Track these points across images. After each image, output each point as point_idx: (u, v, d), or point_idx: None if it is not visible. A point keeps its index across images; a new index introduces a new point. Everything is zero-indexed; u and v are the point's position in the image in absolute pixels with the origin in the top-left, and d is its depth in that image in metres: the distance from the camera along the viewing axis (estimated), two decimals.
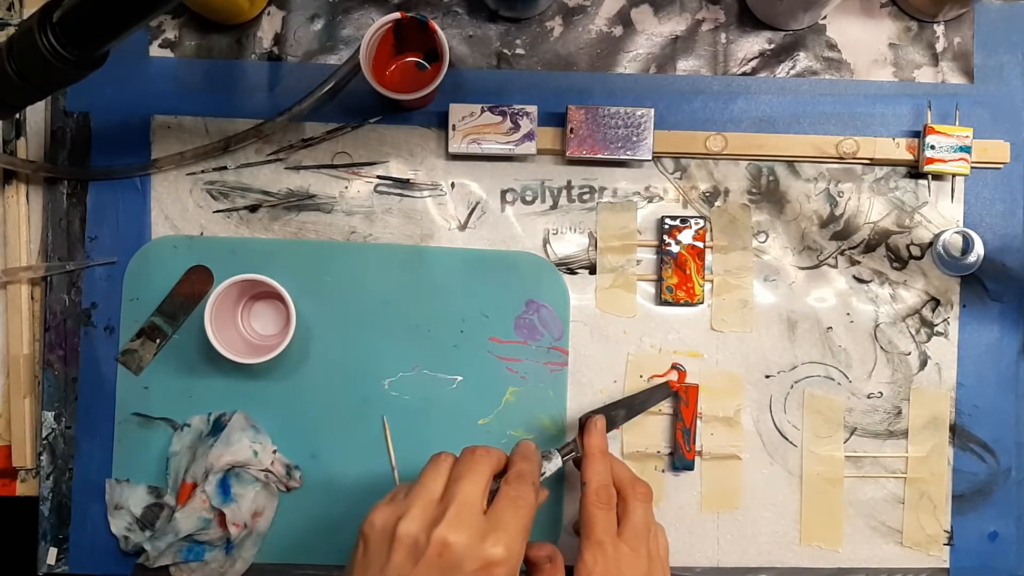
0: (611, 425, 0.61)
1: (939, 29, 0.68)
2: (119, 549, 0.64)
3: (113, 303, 0.66)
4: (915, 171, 0.67)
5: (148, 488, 0.65)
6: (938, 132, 0.65)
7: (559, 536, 0.65)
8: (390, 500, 0.49)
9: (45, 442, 0.66)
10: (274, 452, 0.64)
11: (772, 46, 0.67)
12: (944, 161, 0.65)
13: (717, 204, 0.67)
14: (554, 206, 0.67)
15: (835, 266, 0.67)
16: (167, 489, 0.64)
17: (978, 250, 0.65)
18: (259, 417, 0.65)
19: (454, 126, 0.64)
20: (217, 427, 0.64)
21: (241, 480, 0.63)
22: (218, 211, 0.66)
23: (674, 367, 0.66)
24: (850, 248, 0.67)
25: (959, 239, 0.66)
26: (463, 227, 0.66)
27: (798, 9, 0.64)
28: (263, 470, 0.63)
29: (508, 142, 0.64)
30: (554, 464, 0.57)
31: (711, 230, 0.66)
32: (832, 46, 0.67)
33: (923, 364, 0.67)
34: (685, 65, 0.67)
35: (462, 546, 0.45)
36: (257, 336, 0.66)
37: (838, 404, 0.66)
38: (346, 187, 0.66)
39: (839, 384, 0.66)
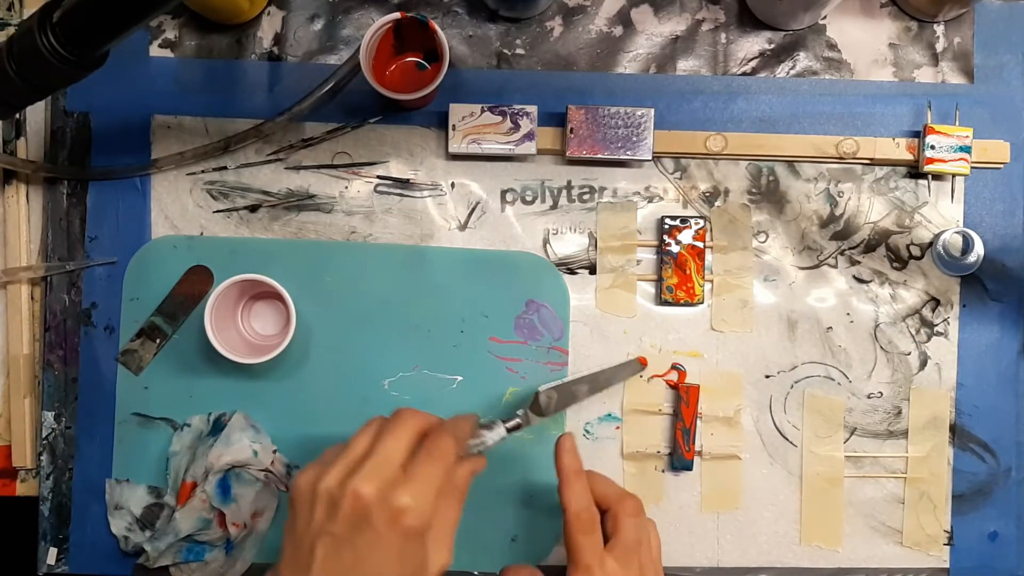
0: (571, 400, 0.61)
1: (939, 29, 0.68)
2: (119, 549, 0.64)
3: (113, 303, 0.66)
4: (915, 171, 0.67)
5: (148, 488, 0.65)
6: (938, 132, 0.65)
7: (550, 550, 0.65)
8: (317, 461, 0.50)
9: (45, 442, 0.66)
10: (274, 452, 0.64)
11: (772, 46, 0.67)
12: (944, 161, 0.65)
13: (717, 204, 0.67)
14: (554, 206, 0.67)
15: (835, 266, 0.67)
16: (167, 489, 0.64)
17: (978, 250, 0.65)
18: (259, 417, 0.65)
19: (454, 126, 0.64)
20: (217, 427, 0.64)
21: (241, 480, 0.63)
22: (218, 211, 0.66)
23: (674, 367, 0.66)
24: (850, 248, 0.67)
25: (959, 239, 0.66)
26: (463, 227, 0.66)
27: (798, 9, 0.64)
28: (263, 470, 0.63)
29: (508, 142, 0.64)
30: (497, 434, 0.56)
31: (711, 230, 0.66)
32: (832, 46, 0.67)
33: (923, 364, 0.67)
34: (685, 65, 0.67)
35: (372, 497, 0.46)
36: (257, 336, 0.66)
37: (838, 404, 0.66)
38: (346, 187, 0.66)
39: (839, 384, 0.66)
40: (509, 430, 0.57)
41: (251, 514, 0.63)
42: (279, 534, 0.65)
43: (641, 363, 0.65)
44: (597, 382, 0.64)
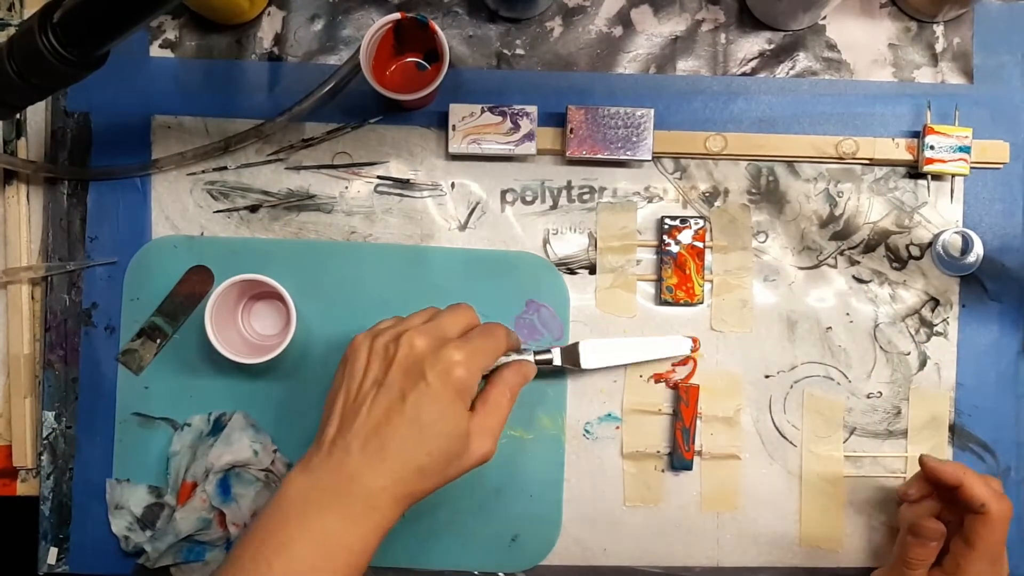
0: (610, 358, 0.63)
1: (939, 29, 0.68)
2: (119, 549, 0.64)
3: (113, 303, 0.66)
4: (915, 171, 0.67)
5: (149, 488, 0.65)
6: (937, 132, 0.65)
7: (550, 550, 0.65)
8: (371, 329, 0.54)
9: (46, 442, 0.66)
10: (275, 452, 0.64)
11: (772, 46, 0.68)
12: (943, 161, 0.65)
13: (717, 204, 0.67)
14: (554, 206, 0.67)
15: (835, 266, 0.67)
16: (167, 489, 0.64)
17: (977, 250, 0.65)
18: (259, 417, 0.65)
19: (454, 126, 0.64)
20: (217, 427, 0.64)
21: (241, 480, 0.63)
22: (218, 211, 0.66)
23: (674, 367, 0.66)
24: (850, 248, 0.67)
25: (958, 239, 0.66)
26: (463, 227, 0.66)
27: (798, 9, 0.64)
28: (263, 470, 0.63)
29: (508, 142, 0.64)
30: (528, 357, 0.59)
31: (711, 230, 0.67)
32: (832, 46, 0.68)
33: (922, 364, 0.67)
34: (685, 65, 0.67)
35: (425, 349, 0.50)
36: (257, 336, 0.66)
37: (838, 404, 0.66)
38: (346, 187, 0.66)
39: (839, 384, 0.67)
40: (538, 362, 0.59)
41: (251, 514, 0.63)
42: None
43: (693, 342, 0.65)
44: (641, 349, 0.64)
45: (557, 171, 0.67)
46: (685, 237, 0.65)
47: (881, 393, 0.67)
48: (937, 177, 0.67)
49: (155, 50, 0.67)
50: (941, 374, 0.67)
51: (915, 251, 0.67)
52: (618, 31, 0.67)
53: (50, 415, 0.66)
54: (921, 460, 0.60)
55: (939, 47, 0.68)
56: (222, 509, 0.62)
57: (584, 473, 0.66)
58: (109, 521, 0.64)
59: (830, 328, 0.67)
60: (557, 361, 0.61)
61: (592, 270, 0.66)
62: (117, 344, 0.66)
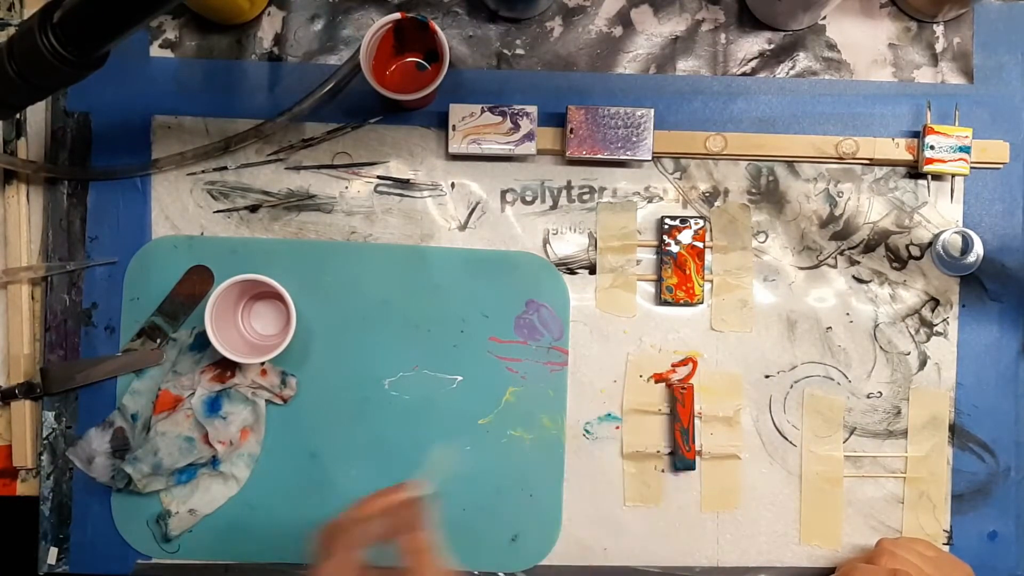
0: None
1: (939, 29, 0.68)
2: (119, 548, 0.64)
3: (114, 303, 0.66)
4: (915, 171, 0.67)
5: (97, 427, 0.64)
6: (937, 132, 0.65)
7: (550, 550, 0.65)
8: None
9: (46, 442, 0.66)
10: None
11: (772, 46, 0.68)
12: (943, 161, 0.65)
13: (717, 204, 0.67)
14: (554, 206, 0.67)
15: (835, 266, 0.67)
16: (113, 416, 0.64)
17: (977, 250, 0.65)
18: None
19: (454, 126, 0.64)
20: (199, 341, 0.64)
21: (232, 399, 0.63)
22: (218, 211, 0.66)
23: (674, 367, 0.66)
24: (849, 248, 0.67)
25: (958, 239, 0.66)
26: (463, 227, 0.66)
27: (798, 9, 0.64)
28: (253, 385, 0.63)
29: (508, 142, 0.64)
30: None
31: (711, 230, 0.67)
32: (832, 46, 0.68)
33: (922, 364, 0.67)
34: (685, 65, 0.67)
35: None
36: (257, 336, 0.66)
37: (838, 404, 0.66)
38: (346, 187, 0.66)
39: (839, 384, 0.67)
40: None
41: (238, 432, 0.63)
42: (279, 534, 0.65)
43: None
44: None
45: (557, 171, 0.67)
46: (685, 237, 0.65)
47: (881, 393, 0.67)
48: (937, 177, 0.67)
49: (155, 50, 0.67)
50: (941, 374, 0.67)
51: (915, 251, 0.67)
52: (618, 31, 0.67)
53: (50, 415, 0.66)
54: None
55: (939, 47, 0.68)
56: (206, 426, 0.62)
57: (584, 473, 0.66)
58: (92, 474, 0.63)
59: (830, 328, 0.67)
60: None
61: (592, 270, 0.66)
62: (117, 344, 0.66)
